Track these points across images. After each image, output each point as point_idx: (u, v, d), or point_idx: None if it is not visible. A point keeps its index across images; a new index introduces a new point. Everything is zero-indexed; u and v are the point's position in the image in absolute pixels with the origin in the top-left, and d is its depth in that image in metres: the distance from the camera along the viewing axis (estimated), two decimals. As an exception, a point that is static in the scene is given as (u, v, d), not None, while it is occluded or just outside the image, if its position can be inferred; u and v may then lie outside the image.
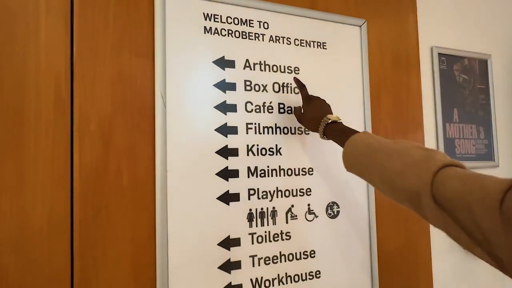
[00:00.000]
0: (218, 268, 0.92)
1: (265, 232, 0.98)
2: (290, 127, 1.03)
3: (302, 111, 0.99)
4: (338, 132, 0.86)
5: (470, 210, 0.47)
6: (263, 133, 1.00)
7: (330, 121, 0.88)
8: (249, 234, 0.96)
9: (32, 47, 0.80)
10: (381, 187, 0.66)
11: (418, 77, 1.30)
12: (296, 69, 1.06)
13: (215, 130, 0.94)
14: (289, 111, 1.04)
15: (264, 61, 1.02)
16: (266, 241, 0.98)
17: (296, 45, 1.07)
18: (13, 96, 0.78)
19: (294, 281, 1.00)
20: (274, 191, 1.00)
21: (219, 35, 0.97)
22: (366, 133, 0.78)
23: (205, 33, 0.95)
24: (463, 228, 0.49)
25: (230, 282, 0.92)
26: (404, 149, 0.63)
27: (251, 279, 0.95)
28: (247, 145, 0.97)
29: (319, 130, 0.90)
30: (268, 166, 1.00)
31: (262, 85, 1.01)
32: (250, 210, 0.97)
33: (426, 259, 1.24)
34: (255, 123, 0.99)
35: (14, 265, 0.75)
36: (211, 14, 0.96)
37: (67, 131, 0.82)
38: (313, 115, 0.93)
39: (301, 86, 0.99)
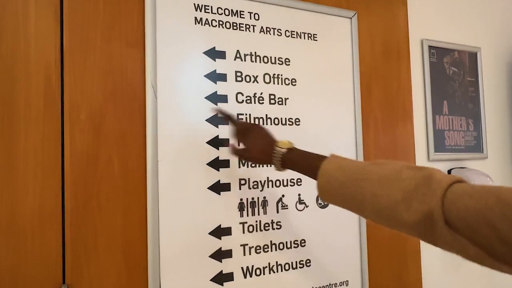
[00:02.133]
0: (209, 256, 0.93)
1: (256, 221, 0.99)
2: (281, 118, 1.04)
3: (241, 145, 0.86)
4: (299, 162, 0.74)
5: (493, 227, 0.43)
6: (254, 124, 1.00)
7: (284, 150, 0.77)
8: (240, 223, 0.97)
9: (21, 36, 0.80)
10: (376, 218, 0.58)
11: (408, 69, 1.31)
12: (287, 60, 1.07)
13: (206, 120, 0.95)
14: (280, 102, 1.05)
15: (255, 52, 1.02)
16: (257, 231, 0.99)
17: (287, 37, 1.07)
18: (2, 85, 0.78)
19: (285, 269, 1.02)
20: (264, 181, 1.01)
21: (210, 26, 0.97)
22: (335, 157, 0.67)
23: (196, 23, 0.95)
24: (485, 247, 0.45)
25: (221, 271, 0.94)
26: (394, 173, 0.55)
27: (242, 268, 0.96)
28: (238, 136, 0.98)
29: (275, 163, 0.78)
30: (259, 157, 1.00)
31: (253, 76, 1.01)
32: (241, 200, 0.98)
33: (415, 248, 1.26)
34: (246, 114, 1.00)
35: (5, 254, 0.76)
36: (202, 5, 0.96)
37: (58, 120, 0.82)
38: (259, 147, 0.81)
39: (228, 117, 0.89)
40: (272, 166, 0.79)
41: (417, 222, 0.51)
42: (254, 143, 0.82)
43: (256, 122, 1.01)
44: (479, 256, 0.47)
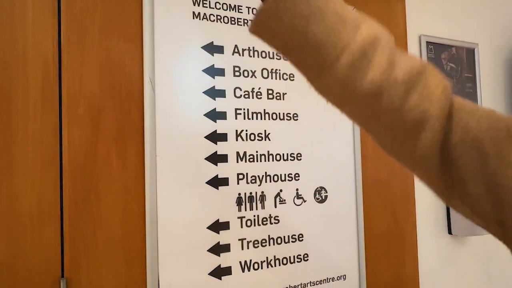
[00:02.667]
0: (207, 251, 0.93)
1: (254, 216, 1.00)
2: (279, 113, 1.05)
3: None
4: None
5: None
6: (252, 119, 1.01)
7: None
8: (238, 218, 0.98)
9: (18, 30, 0.80)
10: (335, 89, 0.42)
11: (406, 65, 1.31)
12: (285, 55, 1.07)
13: (204, 115, 0.95)
14: (278, 97, 1.05)
15: (253, 47, 1.02)
16: (255, 225, 0.99)
17: (285, 32, 1.07)
18: (0, 80, 0.78)
19: (283, 263, 1.02)
20: (262, 175, 1.01)
21: (207, 20, 0.97)
22: None
23: (193, 18, 0.95)
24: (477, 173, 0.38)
25: (220, 265, 0.94)
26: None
27: (240, 262, 0.97)
28: (236, 130, 0.98)
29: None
30: (257, 151, 1.01)
31: (251, 70, 1.02)
32: (239, 194, 0.98)
33: (412, 242, 1.27)
34: (244, 109, 1.00)
35: (4, 248, 0.76)
36: (200, 0, 0.96)
37: (56, 115, 0.82)
38: None
39: None
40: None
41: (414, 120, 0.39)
42: None
43: (254, 117, 1.01)
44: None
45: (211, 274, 0.93)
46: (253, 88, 1.02)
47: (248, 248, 0.98)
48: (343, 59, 0.38)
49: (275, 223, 1.02)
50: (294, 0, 0.38)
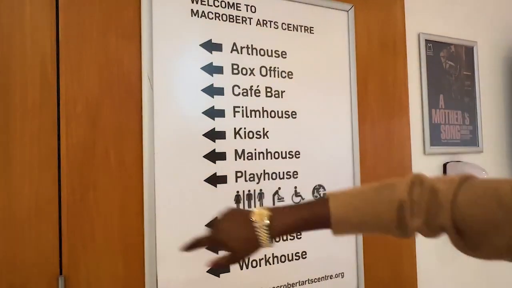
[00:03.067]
0: (206, 248, 0.93)
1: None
2: (277, 111, 1.05)
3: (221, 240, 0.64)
4: (295, 223, 0.60)
5: (504, 232, 0.46)
6: (250, 117, 1.01)
7: (267, 224, 0.59)
8: (236, 215, 0.98)
9: (17, 28, 0.79)
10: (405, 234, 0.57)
11: (404, 63, 1.32)
12: (283, 53, 1.07)
13: (202, 113, 0.95)
14: (276, 95, 1.05)
15: (252, 45, 1.02)
16: (253, 223, 0.99)
17: (284, 29, 1.07)
18: (-2, 77, 0.78)
19: (281, 261, 1.03)
20: (261, 173, 1.02)
21: (206, 18, 0.97)
22: (337, 197, 0.60)
23: (192, 16, 0.95)
24: (501, 249, 0.48)
25: (218, 262, 0.94)
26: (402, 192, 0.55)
27: (238, 259, 0.97)
28: (234, 128, 0.98)
29: (264, 242, 0.60)
30: (255, 149, 1.01)
31: (249, 68, 1.02)
32: (238, 192, 0.98)
33: (410, 241, 1.27)
34: (242, 107, 1.00)
35: (2, 245, 0.76)
36: (198, -3, 0.96)
37: (54, 112, 0.82)
38: (235, 235, 0.62)
39: (195, 245, 0.68)
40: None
41: (434, 233, 0.54)
42: (228, 236, 0.63)
43: (253, 115, 1.01)
44: (496, 254, 0.49)
45: (209, 271, 0.93)
46: (251, 86, 1.02)
47: (246, 245, 0.98)
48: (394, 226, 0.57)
49: (273, 221, 1.02)
50: (347, 215, 0.58)
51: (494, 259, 0.50)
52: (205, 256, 0.92)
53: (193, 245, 0.68)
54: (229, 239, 0.62)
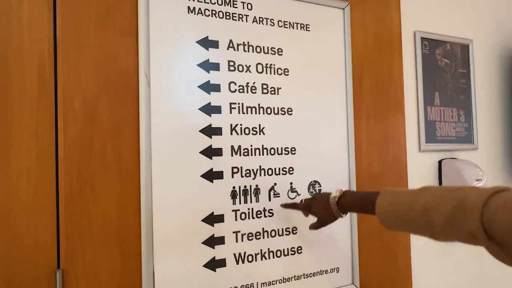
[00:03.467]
0: (202, 243, 0.95)
1: (248, 209, 1.01)
2: (273, 107, 1.06)
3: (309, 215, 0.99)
4: (357, 203, 0.84)
5: None
6: (247, 113, 1.02)
7: (337, 197, 0.86)
8: (233, 211, 0.99)
9: (14, 24, 0.80)
10: (434, 238, 0.64)
11: (400, 60, 1.33)
12: (280, 50, 1.08)
13: (199, 109, 0.96)
14: (272, 92, 1.06)
15: (248, 42, 1.03)
16: (249, 218, 1.01)
17: (280, 27, 1.08)
18: (-4, 73, 0.79)
19: (277, 256, 1.04)
20: (257, 169, 1.03)
21: (203, 15, 0.98)
22: (387, 192, 0.73)
23: (189, 13, 0.96)
24: None
25: (214, 257, 0.95)
26: (437, 198, 0.61)
27: (234, 254, 0.98)
28: (231, 124, 0.99)
29: (334, 211, 0.86)
30: (251, 145, 1.02)
31: (246, 65, 1.02)
32: (234, 187, 0.99)
33: (405, 236, 1.29)
34: (239, 103, 1.01)
35: (0, 240, 0.77)
36: (195, -6, 0.97)
37: (51, 108, 0.83)
38: (320, 207, 0.91)
39: (294, 206, 1.00)
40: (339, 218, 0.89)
41: (467, 240, 0.56)
42: (316, 210, 0.93)
43: (249, 112, 1.02)
44: None
45: (205, 266, 0.94)
46: (247, 83, 1.02)
47: (242, 240, 0.99)
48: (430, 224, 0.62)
49: (269, 216, 1.04)
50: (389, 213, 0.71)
51: None
52: (201, 251, 0.94)
53: (290, 206, 1.01)
54: (317, 210, 0.93)
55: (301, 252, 1.08)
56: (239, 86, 1.01)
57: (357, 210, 0.87)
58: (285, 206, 1.02)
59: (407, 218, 0.66)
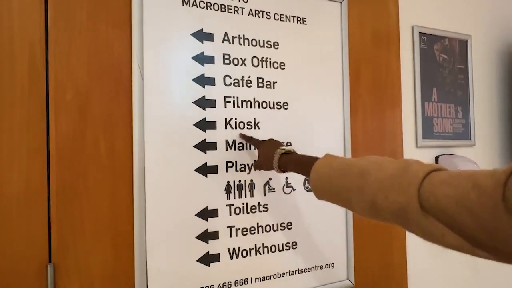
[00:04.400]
0: (195, 238, 0.94)
1: (243, 204, 1.00)
2: (269, 102, 1.04)
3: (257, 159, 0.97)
4: (297, 162, 0.81)
5: (472, 214, 0.43)
6: (242, 107, 1.01)
7: (283, 151, 0.84)
8: (227, 205, 0.98)
9: (4, 14, 0.79)
10: (360, 210, 0.60)
11: (397, 55, 1.32)
12: (276, 43, 1.06)
13: (193, 102, 0.95)
14: (268, 86, 1.05)
15: (243, 35, 1.02)
16: (243, 213, 1.00)
17: (276, 20, 1.07)
18: (-14, 64, 0.77)
19: (271, 251, 1.03)
20: (252, 164, 1.02)
21: (197, 7, 0.96)
22: (328, 155, 0.71)
23: (183, 4, 0.94)
24: (465, 234, 0.45)
25: (208, 252, 0.95)
26: (376, 165, 0.58)
27: (228, 249, 0.97)
28: (225, 119, 0.98)
29: (273, 163, 0.84)
30: (246, 140, 1.01)
31: (241, 59, 1.01)
32: (228, 182, 0.99)
33: (400, 231, 1.28)
34: (234, 97, 1.00)
35: (-9, 233, 0.76)
36: (190, -14, 0.95)
37: (43, 100, 0.82)
38: (265, 152, 0.89)
39: (248, 139, 0.99)
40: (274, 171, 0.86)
41: (395, 211, 0.52)
42: (262, 150, 0.92)
43: (244, 106, 1.01)
44: (459, 243, 0.47)
45: (199, 260, 0.94)
46: (243, 76, 1.01)
47: (236, 235, 0.99)
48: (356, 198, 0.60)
49: (264, 211, 1.03)
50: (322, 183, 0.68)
51: (455, 249, 0.48)
52: (195, 246, 0.93)
53: (246, 138, 0.99)
54: (261, 150, 0.92)
55: (296, 247, 1.07)
56: (234, 80, 1.00)
57: (295, 170, 0.81)
58: (242, 136, 0.99)
59: (340, 183, 0.62)
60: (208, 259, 0.95)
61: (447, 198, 0.46)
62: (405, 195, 0.50)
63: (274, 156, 0.84)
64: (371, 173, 0.57)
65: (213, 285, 0.95)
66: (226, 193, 0.98)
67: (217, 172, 0.97)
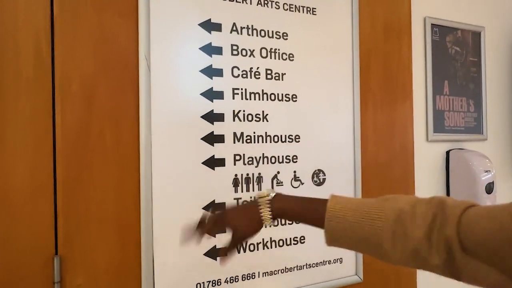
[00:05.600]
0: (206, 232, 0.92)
1: (251, 197, 0.99)
2: (277, 94, 1.02)
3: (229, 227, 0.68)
4: (295, 208, 0.64)
5: None
6: (250, 99, 0.99)
7: (269, 197, 0.64)
8: (234, 199, 0.97)
9: (9, 3, 0.77)
10: (400, 260, 0.53)
11: (409, 47, 1.29)
12: (285, 34, 1.04)
13: (200, 94, 0.93)
14: (277, 77, 1.03)
15: (252, 25, 1.00)
16: (251, 207, 0.98)
17: (285, 10, 1.04)
18: (-9, 53, 0.76)
19: (279, 245, 1.02)
20: (260, 157, 1.00)
21: (205, -4, 0.94)
22: (338, 197, 0.61)
23: (190, -6, 0.93)
24: (508, 270, 0.43)
25: (215, 245, 0.94)
26: (409, 207, 0.52)
27: (235, 243, 0.96)
28: (233, 111, 0.97)
29: (265, 216, 0.63)
30: (254, 132, 0.99)
31: (249, 50, 0.99)
32: (236, 175, 0.97)
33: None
34: (242, 89, 0.98)
35: (-3, 225, 0.76)
36: (197, -25, 0.93)
37: (48, 91, 0.80)
38: (240, 212, 0.70)
39: (199, 225, 0.70)
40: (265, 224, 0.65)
41: (441, 257, 0.48)
42: (236, 217, 0.67)
43: (252, 98, 0.99)
44: (502, 281, 0.45)
45: (206, 254, 0.93)
46: (251, 68, 0.99)
47: (244, 229, 0.97)
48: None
49: (271, 205, 1.01)
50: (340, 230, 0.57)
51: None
52: (202, 240, 0.92)
53: (198, 226, 0.69)
54: (234, 217, 0.67)
55: (304, 242, 1.05)
56: (242, 71, 0.98)
57: (296, 217, 0.65)
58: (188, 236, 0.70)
59: (366, 228, 0.54)
60: (215, 253, 0.93)
61: (487, 232, 0.44)
62: (446, 233, 0.47)
63: (262, 208, 0.63)
64: (409, 217, 0.51)
65: (220, 279, 0.94)
66: (233, 186, 0.97)
67: (224, 165, 0.95)
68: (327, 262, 1.09)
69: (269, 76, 1.02)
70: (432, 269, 0.50)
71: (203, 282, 0.92)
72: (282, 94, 1.03)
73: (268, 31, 1.02)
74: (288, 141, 1.04)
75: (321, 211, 0.59)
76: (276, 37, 1.03)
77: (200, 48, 0.93)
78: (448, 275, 0.50)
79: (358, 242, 0.56)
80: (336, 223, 0.57)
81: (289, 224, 1.03)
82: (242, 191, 0.97)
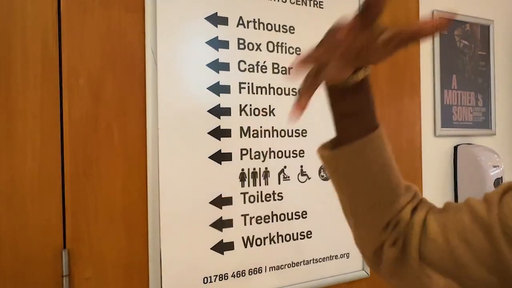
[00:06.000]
0: (209, 225, 0.93)
1: (257, 192, 0.98)
2: (284, 88, 1.02)
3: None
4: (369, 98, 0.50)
5: (461, 265, 0.43)
6: (256, 93, 0.98)
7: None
8: (241, 193, 0.96)
9: (17, -3, 0.77)
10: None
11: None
12: (291, 28, 1.03)
13: (207, 88, 0.93)
14: (283, 71, 1.02)
15: (259, 19, 0.99)
16: (258, 201, 0.98)
17: (292, 3, 1.04)
18: (-1, 48, 0.76)
19: (286, 240, 1.02)
20: (266, 151, 1.00)
21: (211, -10, 0.94)
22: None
23: (197, -13, 0.92)
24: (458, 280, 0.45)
25: (222, 240, 0.94)
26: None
27: (242, 237, 0.96)
28: (240, 105, 0.96)
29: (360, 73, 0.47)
30: (261, 127, 0.99)
31: (256, 43, 0.99)
32: (243, 170, 0.97)
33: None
34: (248, 83, 0.97)
35: (5, 219, 0.76)
36: (204, -32, 0.93)
37: (56, 85, 0.81)
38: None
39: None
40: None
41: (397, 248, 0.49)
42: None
43: (259, 92, 0.99)
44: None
45: (213, 248, 0.93)
46: (258, 62, 0.99)
47: (251, 224, 0.97)
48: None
49: (278, 199, 1.01)
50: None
51: None
52: (209, 234, 0.92)
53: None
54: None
55: (311, 236, 1.05)
56: (249, 65, 0.98)
57: (364, 103, 0.50)
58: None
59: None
60: (222, 247, 0.94)
61: (441, 255, 0.46)
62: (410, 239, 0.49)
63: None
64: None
65: (227, 274, 0.94)
66: (240, 180, 0.97)
67: (231, 160, 0.95)
68: (334, 257, 1.09)
69: (275, 70, 1.01)
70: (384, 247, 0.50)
71: (210, 276, 0.92)
72: (288, 89, 1.02)
73: (274, 24, 1.01)
74: (295, 136, 1.04)
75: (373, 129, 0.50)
76: (282, 31, 1.02)
77: (206, 42, 0.93)
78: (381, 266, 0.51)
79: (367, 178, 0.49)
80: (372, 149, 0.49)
81: (295, 219, 1.03)
82: (248, 186, 0.97)
